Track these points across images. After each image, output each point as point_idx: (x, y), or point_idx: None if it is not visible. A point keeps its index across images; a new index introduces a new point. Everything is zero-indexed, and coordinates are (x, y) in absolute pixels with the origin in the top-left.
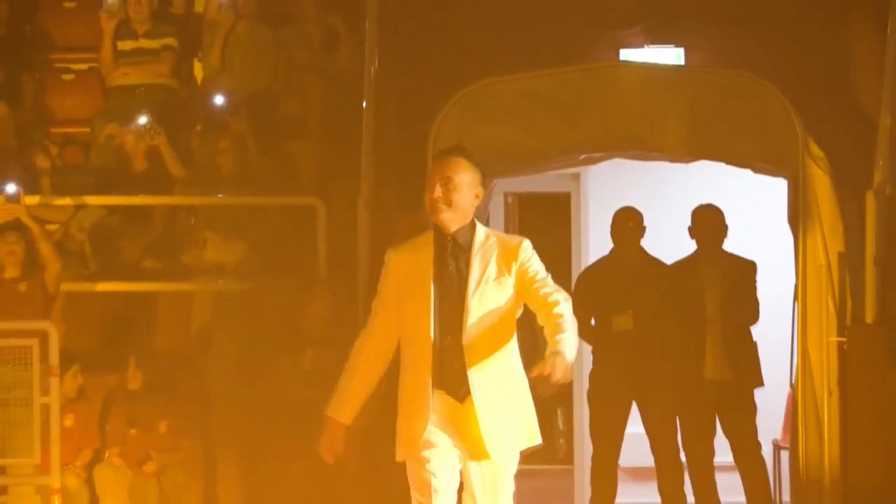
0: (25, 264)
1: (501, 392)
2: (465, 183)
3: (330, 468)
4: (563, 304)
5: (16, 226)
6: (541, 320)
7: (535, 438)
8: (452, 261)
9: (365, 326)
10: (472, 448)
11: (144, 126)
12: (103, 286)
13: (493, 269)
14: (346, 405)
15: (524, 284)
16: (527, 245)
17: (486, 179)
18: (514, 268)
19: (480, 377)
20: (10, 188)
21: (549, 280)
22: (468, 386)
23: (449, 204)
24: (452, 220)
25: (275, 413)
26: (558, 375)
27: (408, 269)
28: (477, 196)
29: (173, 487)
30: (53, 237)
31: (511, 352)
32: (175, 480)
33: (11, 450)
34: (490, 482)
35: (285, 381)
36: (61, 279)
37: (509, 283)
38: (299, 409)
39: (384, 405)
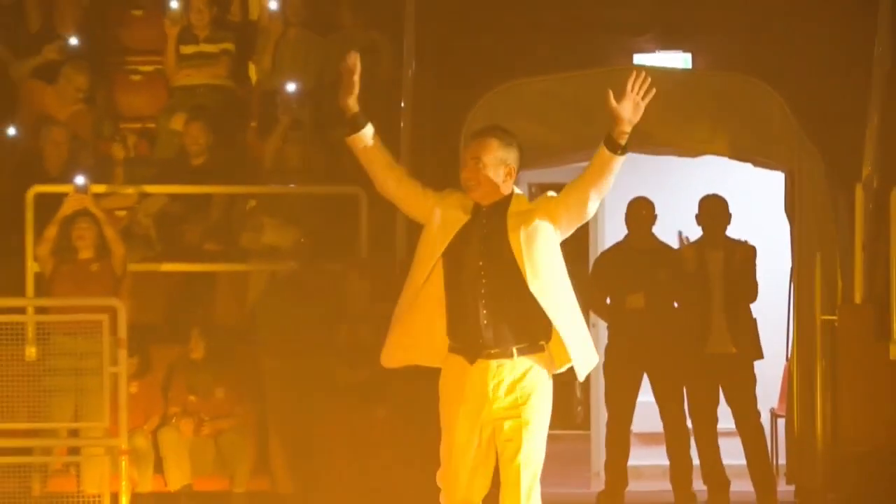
0: (98, 247)
1: (574, 315)
2: (495, 162)
3: (366, 435)
4: None
5: (87, 213)
6: (578, 186)
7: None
8: (484, 229)
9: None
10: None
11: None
12: (167, 267)
13: (530, 219)
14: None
15: (556, 204)
16: (553, 193)
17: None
18: (548, 210)
19: (558, 313)
20: (79, 180)
21: None
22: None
23: (479, 183)
24: (485, 197)
25: (317, 382)
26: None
27: (444, 217)
28: (509, 174)
29: (229, 449)
30: (121, 223)
31: (566, 284)
32: (230, 442)
33: (84, 414)
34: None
35: (325, 354)
36: (127, 261)
37: (547, 227)
38: (338, 380)
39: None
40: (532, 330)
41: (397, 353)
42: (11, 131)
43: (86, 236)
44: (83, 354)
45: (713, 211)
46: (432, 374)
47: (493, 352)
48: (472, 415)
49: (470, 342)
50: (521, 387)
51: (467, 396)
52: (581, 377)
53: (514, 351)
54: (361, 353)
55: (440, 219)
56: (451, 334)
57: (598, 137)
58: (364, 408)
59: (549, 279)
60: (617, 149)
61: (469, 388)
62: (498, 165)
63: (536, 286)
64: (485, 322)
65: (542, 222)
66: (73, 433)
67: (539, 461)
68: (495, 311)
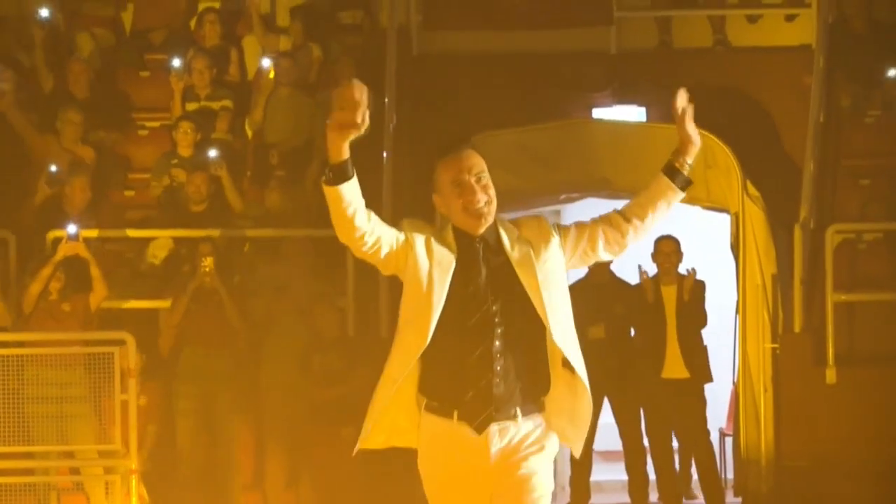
0: (66, 288)
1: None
2: (488, 176)
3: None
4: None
5: (67, 261)
6: (616, 226)
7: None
8: (485, 266)
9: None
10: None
11: (212, 159)
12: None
13: (536, 247)
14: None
15: (574, 238)
16: (544, 219)
17: None
18: (554, 240)
19: (581, 367)
20: (71, 229)
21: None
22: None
23: (490, 203)
24: (486, 223)
25: (307, 401)
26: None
27: (435, 258)
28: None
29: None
30: (127, 264)
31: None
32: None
33: (73, 438)
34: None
35: (311, 378)
36: (104, 301)
37: (558, 258)
38: (315, 400)
39: None
40: (538, 384)
41: (384, 434)
42: (53, 168)
43: (61, 279)
44: (65, 384)
45: (666, 250)
46: None
47: (498, 415)
48: (474, 491)
49: (479, 407)
50: (526, 446)
51: (468, 472)
52: (578, 453)
53: (518, 412)
54: (332, 376)
55: (428, 262)
56: (452, 400)
57: (561, 183)
58: (333, 427)
59: (568, 324)
60: (680, 180)
61: (472, 461)
62: (489, 181)
63: (559, 333)
64: (497, 380)
65: (550, 251)
66: (68, 455)
67: None
68: (508, 366)
